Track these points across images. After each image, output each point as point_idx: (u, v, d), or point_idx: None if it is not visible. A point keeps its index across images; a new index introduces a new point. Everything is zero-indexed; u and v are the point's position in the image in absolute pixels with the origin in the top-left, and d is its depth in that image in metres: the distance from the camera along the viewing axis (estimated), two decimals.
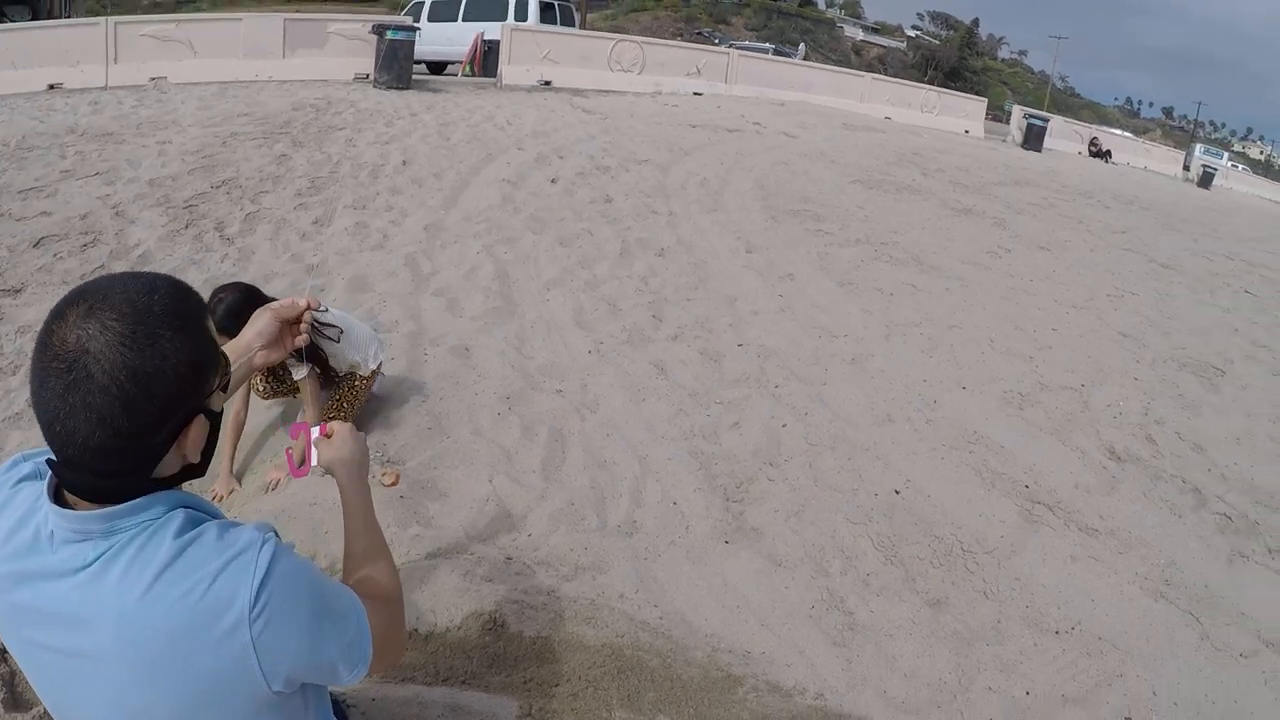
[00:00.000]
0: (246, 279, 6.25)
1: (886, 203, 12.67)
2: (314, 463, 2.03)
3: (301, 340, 2.17)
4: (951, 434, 5.52)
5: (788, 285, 8.04)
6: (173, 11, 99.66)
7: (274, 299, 2.26)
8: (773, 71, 25.62)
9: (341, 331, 4.32)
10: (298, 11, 22.48)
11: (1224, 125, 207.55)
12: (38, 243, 7.06)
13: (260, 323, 2.09)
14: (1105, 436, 5.90)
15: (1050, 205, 16.15)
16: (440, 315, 6.39)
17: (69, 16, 24.96)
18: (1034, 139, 29.10)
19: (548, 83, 19.75)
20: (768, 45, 41.68)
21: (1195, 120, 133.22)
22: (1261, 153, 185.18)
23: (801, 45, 43.34)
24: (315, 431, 2.06)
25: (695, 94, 21.68)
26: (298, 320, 2.16)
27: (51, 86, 15.10)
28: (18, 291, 6.22)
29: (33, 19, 22.77)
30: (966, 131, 28.97)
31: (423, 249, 7.75)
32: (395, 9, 73.14)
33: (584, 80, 20.34)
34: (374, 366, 4.59)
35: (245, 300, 3.84)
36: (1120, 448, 5.76)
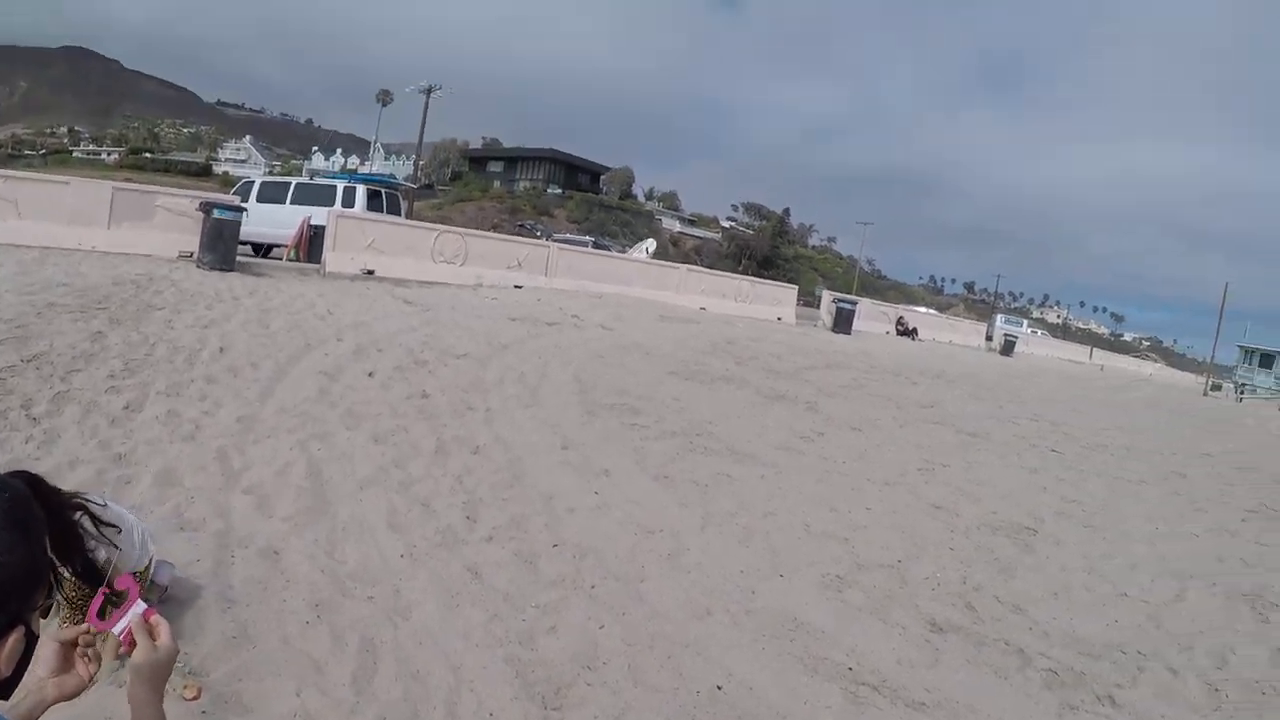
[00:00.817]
0: (49, 464, 6.02)
1: (702, 393, 12.94)
2: (120, 636, 1.81)
3: (90, 669, 1.89)
4: (771, 623, 5.52)
5: (603, 481, 8.02)
6: (3, 164, 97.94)
7: (62, 491, 2.06)
8: (592, 265, 26.30)
9: (119, 531, 4.01)
10: (129, 179, 22.17)
11: (1022, 294, 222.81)
12: None
13: (45, 655, 1.84)
14: (925, 609, 6.03)
15: (860, 386, 16.84)
16: (250, 514, 6.12)
17: None
18: (844, 322, 30.52)
19: (371, 272, 19.72)
20: (588, 238, 43.16)
21: (995, 292, 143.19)
22: (1059, 316, 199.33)
23: (651, 242, 44.84)
24: (140, 608, 1.85)
25: (516, 286, 21.93)
26: (78, 640, 1.90)
27: None
28: None
29: None
30: (779, 318, 30.05)
31: (235, 442, 7.47)
32: (227, 186, 73.03)
33: (407, 270, 20.40)
34: (145, 564, 4.20)
35: (23, 508, 3.53)
36: (941, 618, 5.90)
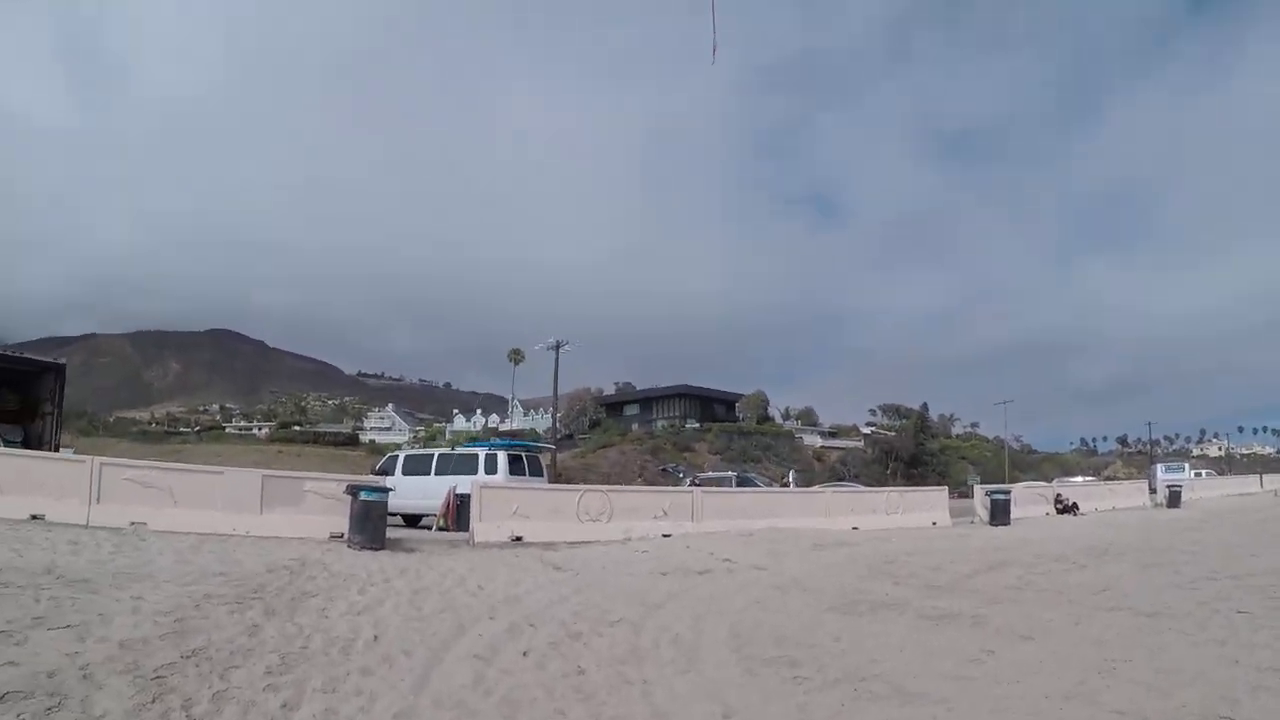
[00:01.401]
0: None
1: (862, 626, 12.14)
2: None
3: None
4: None
5: None
6: (160, 441, 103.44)
7: None
8: (738, 502, 26.08)
9: None
10: (281, 451, 22.99)
11: (1178, 435, 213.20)
12: (2, 697, 6.65)
13: None
14: None
15: (1027, 584, 15.83)
16: None
17: (58, 437, 25.86)
18: (1000, 513, 29.45)
19: (519, 538, 19.78)
20: (731, 473, 43.10)
21: (1150, 440, 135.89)
22: (1220, 448, 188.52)
23: (793, 473, 44.66)
24: None
25: (665, 535, 21.59)
26: None
27: (34, 517, 15.44)
28: None
29: (24, 440, 23.25)
30: (934, 523, 29.20)
31: None
32: (374, 453, 75.08)
33: (555, 532, 20.37)
34: None
35: None
36: None
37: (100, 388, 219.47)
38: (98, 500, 16.29)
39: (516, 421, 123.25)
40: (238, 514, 17.02)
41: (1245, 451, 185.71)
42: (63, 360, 27.08)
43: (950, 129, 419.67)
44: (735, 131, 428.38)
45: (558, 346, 70.42)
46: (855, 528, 25.89)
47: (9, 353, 26.52)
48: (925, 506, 30.04)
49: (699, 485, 30.64)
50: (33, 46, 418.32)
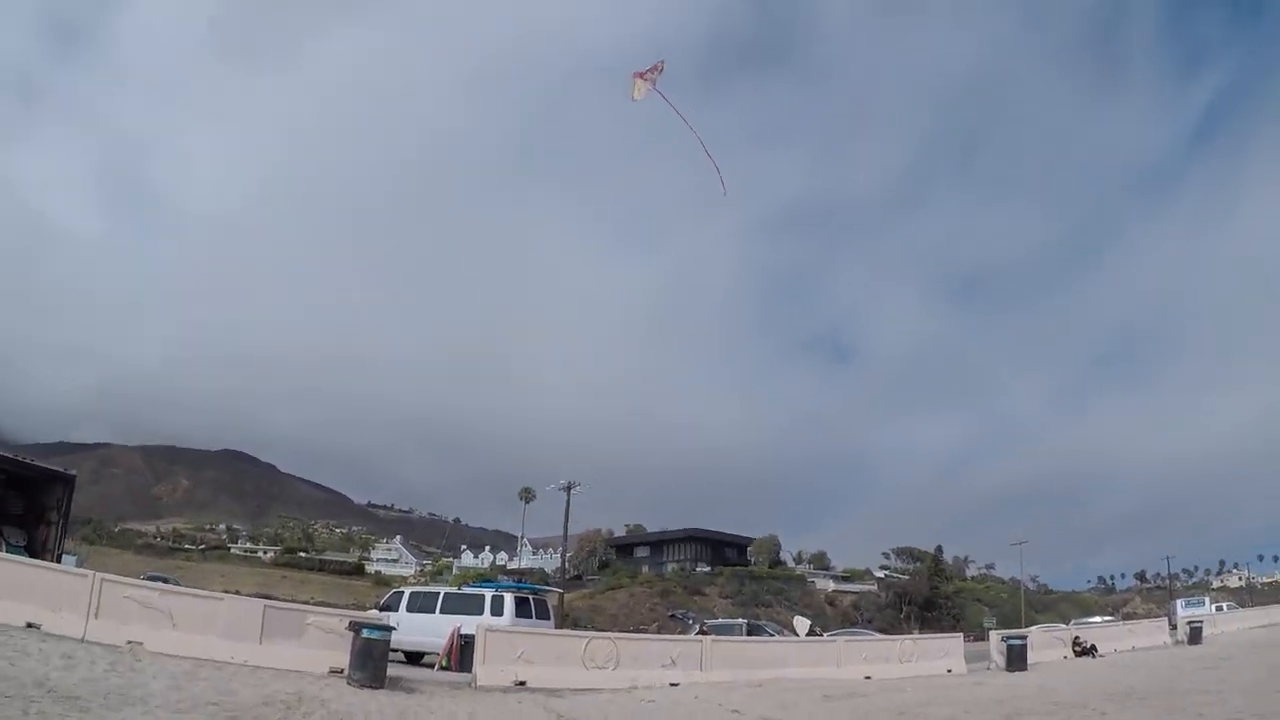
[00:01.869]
0: None
1: None
2: None
3: None
4: None
5: None
6: (165, 556, 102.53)
7: None
8: (748, 651, 25.69)
9: None
10: (285, 577, 22.73)
11: (1197, 568, 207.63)
12: None
13: None
14: None
15: None
16: None
17: (61, 545, 25.97)
18: (1017, 659, 28.63)
19: (523, 683, 19.43)
20: (740, 621, 42.36)
21: (1169, 575, 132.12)
22: (1240, 579, 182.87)
23: (805, 621, 43.74)
24: None
25: (672, 684, 21.26)
26: None
27: (30, 625, 15.23)
28: None
29: (27, 545, 23.60)
30: (949, 670, 28.37)
31: None
32: (380, 585, 74.15)
33: (559, 678, 20.00)
34: None
35: None
36: None
37: (109, 497, 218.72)
38: (96, 615, 16.05)
39: (525, 560, 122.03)
40: (237, 642, 16.78)
41: (1266, 580, 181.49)
42: (73, 472, 27.11)
43: (963, 271, 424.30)
44: (748, 275, 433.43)
45: (569, 488, 70.22)
46: (868, 677, 25.27)
47: (21, 458, 26.59)
48: (940, 653, 29.32)
49: (707, 633, 30.03)
50: (77, 163, 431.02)
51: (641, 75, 27.12)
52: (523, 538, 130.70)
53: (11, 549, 21.64)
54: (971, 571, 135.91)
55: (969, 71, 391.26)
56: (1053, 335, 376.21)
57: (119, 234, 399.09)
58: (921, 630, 77.83)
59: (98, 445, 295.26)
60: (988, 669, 29.39)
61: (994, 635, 32.00)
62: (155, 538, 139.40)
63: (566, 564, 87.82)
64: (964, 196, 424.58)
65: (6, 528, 24.01)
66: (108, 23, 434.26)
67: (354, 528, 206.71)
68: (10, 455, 26.21)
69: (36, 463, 27.02)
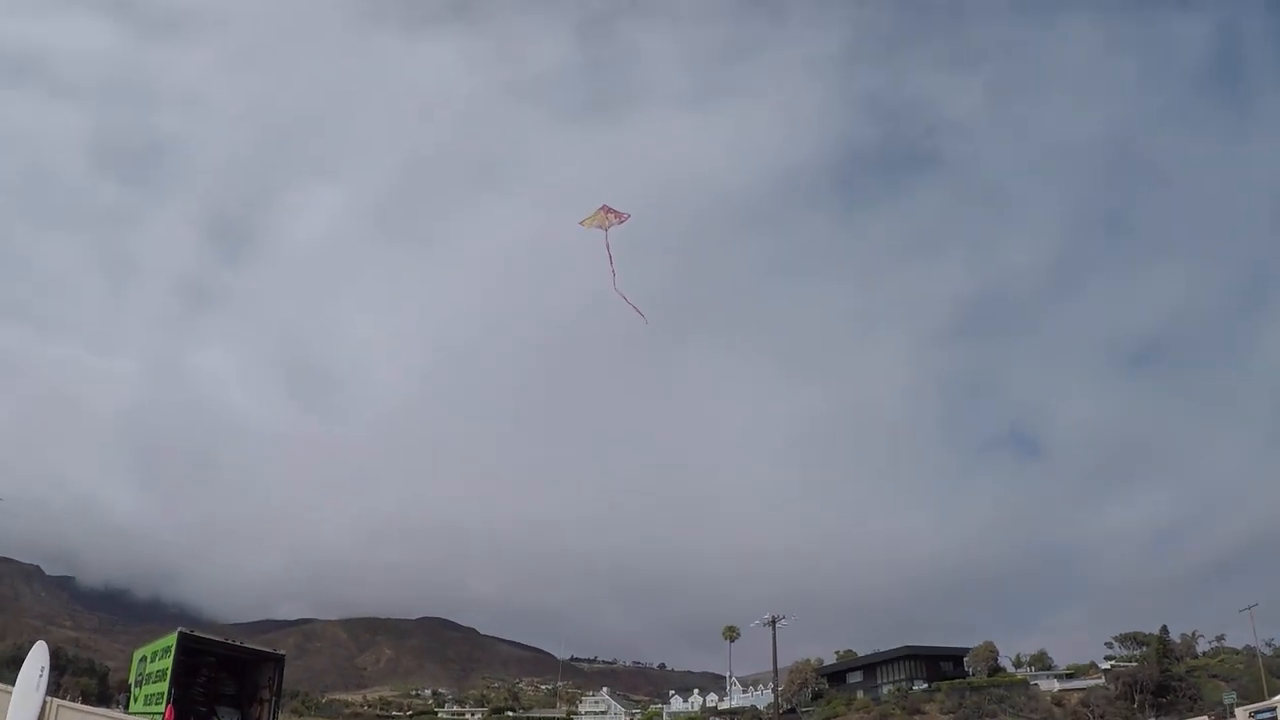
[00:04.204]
0: None
1: None
2: None
3: None
4: None
5: None
6: None
7: None
8: None
9: None
10: None
11: None
12: None
13: None
14: None
15: None
16: None
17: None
18: None
19: None
20: None
21: None
22: None
23: None
24: None
25: None
26: None
27: None
28: None
29: None
30: None
31: None
32: None
33: None
34: None
35: None
36: None
37: (314, 670, 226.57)
38: None
39: (735, 700, 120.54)
40: None
41: None
42: (282, 651, 28.95)
43: (1135, 343, 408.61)
44: (923, 385, 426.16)
45: (774, 622, 70.22)
46: None
47: (231, 640, 28.69)
48: None
49: None
50: (256, 356, 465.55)
51: (609, 211, 28.17)
52: (731, 677, 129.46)
53: None
54: (1202, 647, 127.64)
55: (1099, 143, 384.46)
56: (1236, 390, 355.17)
57: (298, 419, 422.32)
58: (1158, 717, 73.89)
59: (300, 621, 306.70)
60: None
61: (1240, 711, 30.67)
62: (363, 706, 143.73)
63: (779, 699, 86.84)
64: (1120, 268, 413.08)
65: (221, 708, 25.89)
66: (271, 223, 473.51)
67: (559, 683, 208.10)
68: (221, 639, 28.38)
69: (246, 644, 29.14)
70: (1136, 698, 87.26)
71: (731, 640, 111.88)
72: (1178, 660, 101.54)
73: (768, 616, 71.17)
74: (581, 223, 28.65)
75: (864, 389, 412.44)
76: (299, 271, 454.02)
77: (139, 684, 27.88)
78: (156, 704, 25.23)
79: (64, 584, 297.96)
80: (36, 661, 19.92)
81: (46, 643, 21.40)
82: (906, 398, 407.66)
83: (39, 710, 19.43)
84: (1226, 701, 41.81)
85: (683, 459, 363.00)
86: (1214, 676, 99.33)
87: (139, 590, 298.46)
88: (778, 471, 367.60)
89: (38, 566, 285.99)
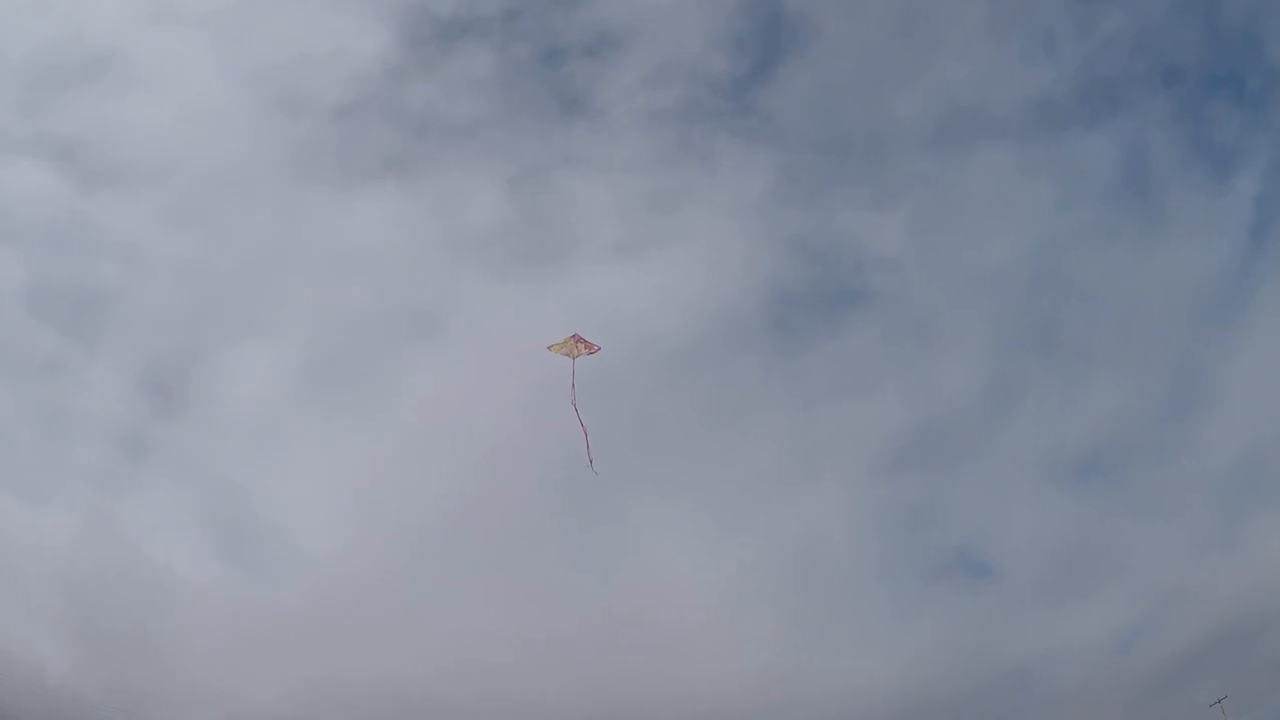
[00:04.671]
0: None
1: None
2: None
3: None
4: None
5: None
6: None
7: None
8: None
9: None
10: None
11: None
12: None
13: None
14: None
15: None
16: None
17: None
18: None
19: None
20: None
21: None
22: None
23: None
24: None
25: None
26: None
27: None
28: None
29: None
30: None
31: None
32: None
33: None
34: None
35: None
36: None
37: None
38: None
39: None
40: None
41: None
42: None
43: (1073, 454, 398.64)
44: (867, 519, 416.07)
45: None
46: None
47: None
48: None
49: None
50: (189, 511, 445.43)
51: (580, 340, 28.98)
52: None
53: None
54: None
55: (1020, 265, 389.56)
56: (1178, 489, 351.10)
57: (233, 579, 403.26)
58: None
59: None
60: None
61: None
62: None
63: None
64: (1052, 384, 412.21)
65: None
66: (204, 378, 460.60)
67: None
68: None
69: None
70: None
71: None
72: None
73: None
74: (550, 348, 29.13)
75: (808, 529, 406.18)
76: (231, 427, 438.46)
77: None
78: None
79: None
80: None
81: None
82: (851, 534, 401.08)
83: None
84: None
85: (632, 606, 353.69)
86: None
87: None
88: (727, 616, 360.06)
89: None
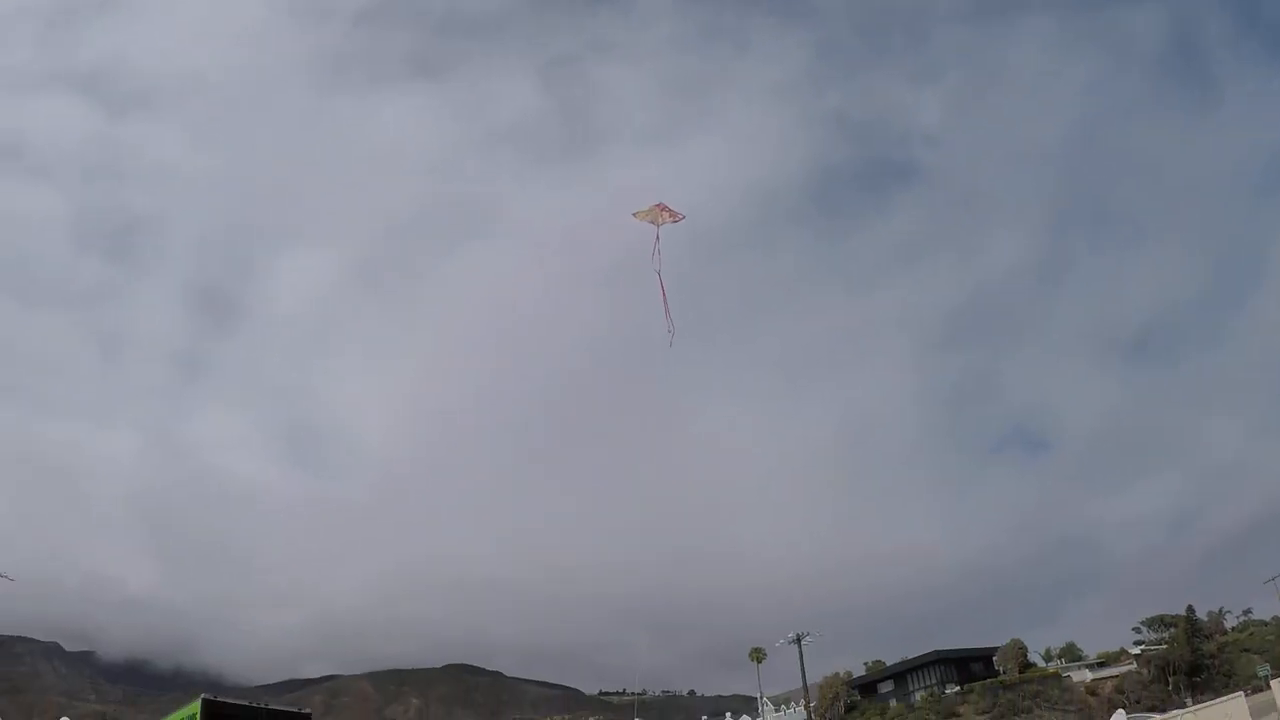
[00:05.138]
0: None
1: None
2: None
3: None
4: None
5: None
6: None
7: None
8: None
9: None
10: None
11: None
12: None
13: None
14: None
15: None
16: None
17: None
18: None
19: None
20: None
21: None
22: None
23: None
24: None
25: None
26: None
27: None
28: None
29: None
30: None
31: None
32: None
33: None
34: None
35: None
36: None
37: None
38: None
39: (769, 718, 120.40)
40: None
41: None
42: (308, 710, 29.40)
43: (1130, 329, 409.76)
44: (925, 392, 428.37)
45: (799, 639, 70.42)
46: None
47: (254, 703, 29.01)
48: (1223, 716, 28.43)
49: None
50: (253, 421, 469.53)
51: (665, 209, 28.73)
52: (761, 698, 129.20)
53: None
54: (1230, 623, 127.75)
55: (1070, 131, 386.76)
56: (1233, 370, 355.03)
57: (301, 480, 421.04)
58: (1193, 697, 74.02)
59: (325, 678, 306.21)
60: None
61: (1276, 684, 30.62)
62: None
63: (811, 715, 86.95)
64: (1105, 255, 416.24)
65: None
66: (254, 290, 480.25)
67: (591, 718, 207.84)
68: (245, 703, 28.72)
69: (272, 706, 29.51)
70: (1170, 679, 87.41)
71: (759, 661, 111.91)
72: (1207, 638, 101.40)
73: (792, 635, 71.39)
74: (635, 214, 29.13)
75: (861, 405, 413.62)
76: (284, 335, 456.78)
77: None
78: None
79: (84, 659, 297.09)
80: None
81: (72, 719, 21.77)
82: (903, 409, 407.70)
83: None
84: (1261, 674, 41.95)
85: (696, 490, 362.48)
86: (1246, 650, 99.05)
87: (161, 660, 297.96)
88: (790, 494, 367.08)
89: (56, 644, 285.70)
